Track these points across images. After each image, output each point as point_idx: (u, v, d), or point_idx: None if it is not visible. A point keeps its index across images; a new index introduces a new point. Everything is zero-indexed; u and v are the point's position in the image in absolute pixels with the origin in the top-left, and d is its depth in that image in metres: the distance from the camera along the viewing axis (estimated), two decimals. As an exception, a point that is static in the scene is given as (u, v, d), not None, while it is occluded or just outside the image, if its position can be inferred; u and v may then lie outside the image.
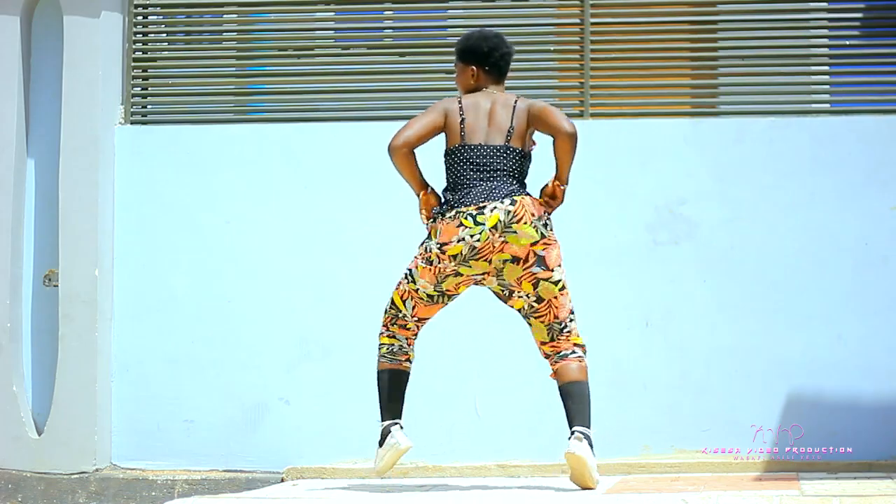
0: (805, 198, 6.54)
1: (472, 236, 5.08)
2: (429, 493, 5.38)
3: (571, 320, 5.21)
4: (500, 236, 5.08)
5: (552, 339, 5.19)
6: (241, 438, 6.71)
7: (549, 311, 5.17)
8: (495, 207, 5.07)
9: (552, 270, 5.13)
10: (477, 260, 5.12)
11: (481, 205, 5.08)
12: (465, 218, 5.08)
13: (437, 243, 5.12)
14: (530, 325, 5.25)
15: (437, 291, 5.20)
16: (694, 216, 6.59)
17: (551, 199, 5.22)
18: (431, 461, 6.40)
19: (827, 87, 6.90)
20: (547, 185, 5.22)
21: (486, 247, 5.09)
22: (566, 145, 5.14)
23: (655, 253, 6.58)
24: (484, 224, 5.06)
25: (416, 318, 5.27)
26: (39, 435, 6.80)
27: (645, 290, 6.55)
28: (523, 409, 6.49)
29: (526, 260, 5.12)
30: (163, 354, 6.78)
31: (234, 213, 6.82)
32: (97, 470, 6.72)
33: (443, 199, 5.23)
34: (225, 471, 6.68)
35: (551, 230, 5.15)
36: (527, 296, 5.17)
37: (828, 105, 6.82)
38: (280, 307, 6.73)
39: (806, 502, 4.57)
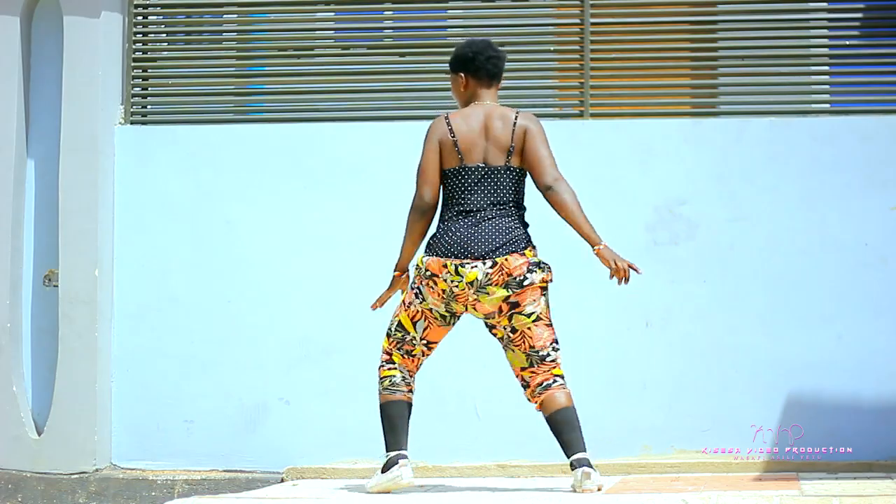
0: (805, 198, 6.54)
1: (452, 282, 5.13)
2: (429, 493, 5.38)
3: (555, 349, 5.21)
4: (474, 293, 5.13)
5: (531, 366, 5.20)
6: (241, 438, 6.70)
7: (524, 341, 5.19)
8: (475, 266, 5.10)
9: (524, 306, 5.15)
10: (456, 302, 5.18)
11: (464, 261, 5.10)
12: (450, 265, 5.12)
13: (427, 272, 5.17)
14: (510, 352, 5.25)
15: (448, 312, 5.21)
16: (694, 216, 6.59)
17: (611, 266, 5.20)
18: (431, 461, 6.40)
19: (827, 87, 6.90)
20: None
21: (462, 296, 5.15)
22: (551, 199, 5.18)
23: (655, 253, 6.58)
24: (463, 277, 5.11)
25: (424, 342, 5.26)
26: (39, 435, 6.80)
27: (645, 290, 6.54)
28: (523, 410, 6.46)
29: (500, 311, 5.18)
30: (163, 354, 6.78)
31: (234, 213, 6.82)
32: (97, 470, 6.72)
33: (435, 229, 5.23)
34: (225, 471, 6.68)
35: (531, 280, 5.12)
36: (503, 327, 5.22)
37: (828, 105, 6.81)
38: (280, 307, 6.73)
39: (806, 502, 4.57)
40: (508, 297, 5.12)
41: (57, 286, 6.80)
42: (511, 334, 5.20)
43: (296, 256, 6.74)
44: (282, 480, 6.49)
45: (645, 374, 6.53)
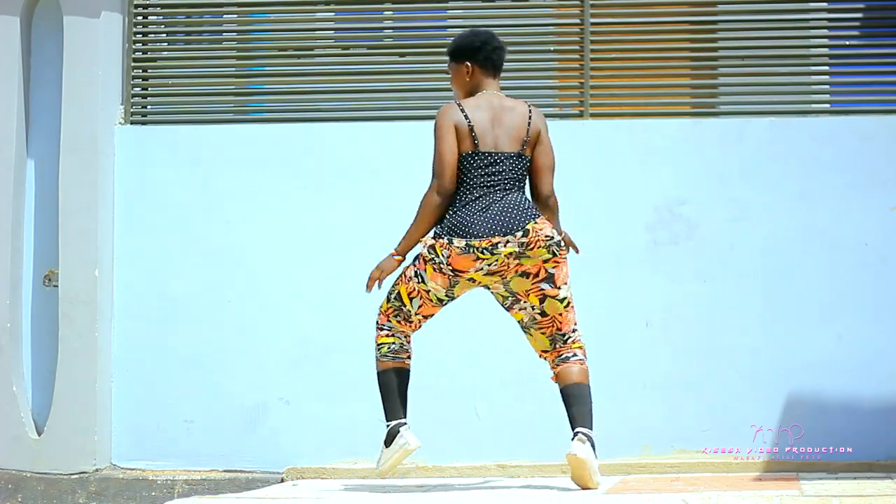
0: (805, 198, 6.54)
1: (489, 265, 5.08)
2: (429, 493, 5.38)
3: (574, 331, 5.22)
4: (515, 259, 5.09)
5: (554, 349, 5.22)
6: (241, 438, 6.71)
7: (553, 325, 5.19)
8: (508, 242, 5.05)
9: (559, 288, 5.14)
10: (493, 275, 5.13)
11: (494, 241, 5.05)
12: (482, 252, 5.06)
13: (452, 268, 5.09)
14: (530, 335, 5.25)
15: (448, 297, 5.20)
16: (694, 216, 6.59)
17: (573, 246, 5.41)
18: (431, 461, 6.40)
19: (827, 87, 6.90)
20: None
21: (503, 268, 5.11)
22: (542, 211, 5.23)
23: (655, 253, 6.58)
24: (500, 254, 5.06)
25: (419, 316, 5.24)
26: (39, 435, 6.80)
27: (645, 290, 6.55)
28: (523, 410, 6.49)
29: (536, 275, 5.13)
30: (163, 354, 6.79)
31: (234, 213, 6.82)
32: (97, 470, 6.72)
33: (449, 211, 5.15)
34: (225, 471, 6.69)
35: (563, 247, 5.17)
36: (531, 307, 5.17)
37: (828, 105, 6.82)
38: (280, 307, 6.73)
39: (806, 502, 4.57)
40: (549, 261, 5.09)
41: (57, 286, 6.80)
42: (539, 316, 5.17)
43: (296, 256, 6.74)
44: (282, 480, 6.49)
45: (645, 374, 6.53)
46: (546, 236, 5.08)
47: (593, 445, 5.06)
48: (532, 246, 5.07)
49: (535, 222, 5.09)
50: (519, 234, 5.06)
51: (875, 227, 6.49)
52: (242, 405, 6.73)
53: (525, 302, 5.18)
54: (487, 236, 5.05)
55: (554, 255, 5.10)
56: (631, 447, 6.47)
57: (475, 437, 6.56)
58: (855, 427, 6.38)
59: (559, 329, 5.19)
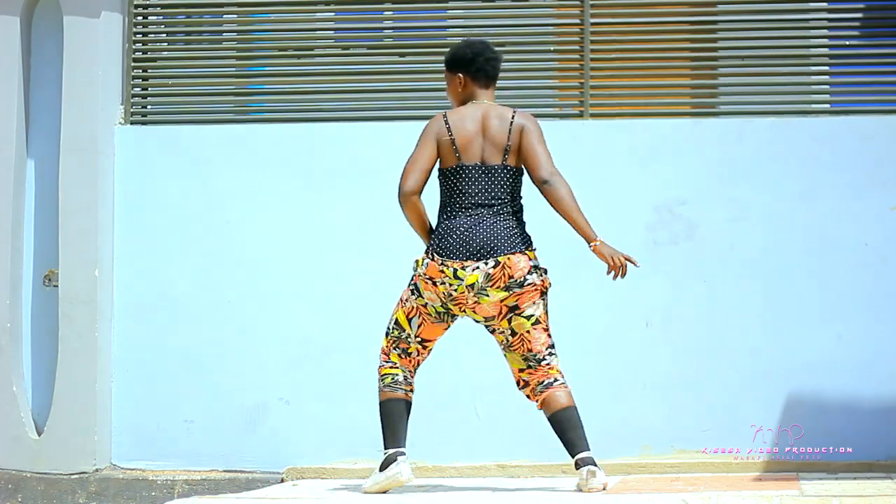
0: (805, 198, 6.54)
1: (450, 285, 5.13)
2: (429, 493, 5.38)
3: (551, 354, 5.21)
4: (473, 295, 5.12)
5: (528, 367, 5.21)
6: (241, 438, 6.71)
7: (523, 344, 5.19)
8: (477, 268, 5.09)
9: (524, 308, 5.16)
10: (454, 304, 5.18)
11: (465, 263, 5.09)
12: (448, 269, 5.11)
13: (425, 275, 5.16)
14: (507, 357, 5.27)
15: (444, 309, 5.21)
16: (694, 216, 6.59)
17: (609, 262, 5.18)
18: (431, 461, 6.40)
19: (827, 87, 6.90)
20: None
21: (461, 298, 5.15)
22: (547, 194, 5.15)
23: (655, 253, 6.58)
24: (462, 280, 5.10)
25: (419, 340, 5.25)
26: (39, 435, 6.80)
27: (645, 290, 6.54)
28: (523, 410, 6.47)
29: (499, 313, 5.18)
30: (163, 354, 6.79)
31: (234, 213, 6.82)
32: (97, 470, 6.72)
33: (436, 228, 5.21)
34: (225, 471, 6.69)
35: (532, 281, 5.12)
36: (502, 332, 5.22)
37: (828, 105, 6.82)
38: (280, 307, 6.73)
39: (806, 502, 4.58)
40: (507, 298, 5.12)
41: (57, 286, 6.80)
42: (510, 338, 5.20)
43: (296, 256, 6.74)
44: (282, 480, 6.49)
45: (645, 374, 6.53)
46: (508, 276, 5.08)
47: (597, 466, 5.08)
48: (494, 282, 5.09)
49: (510, 257, 5.10)
50: (491, 262, 5.09)
51: (875, 227, 6.49)
52: (242, 405, 6.73)
53: (498, 327, 5.21)
54: (461, 258, 5.09)
55: (513, 292, 5.11)
56: (631, 447, 6.47)
57: (475, 437, 6.56)
58: (855, 427, 6.38)
59: (530, 349, 5.19)
